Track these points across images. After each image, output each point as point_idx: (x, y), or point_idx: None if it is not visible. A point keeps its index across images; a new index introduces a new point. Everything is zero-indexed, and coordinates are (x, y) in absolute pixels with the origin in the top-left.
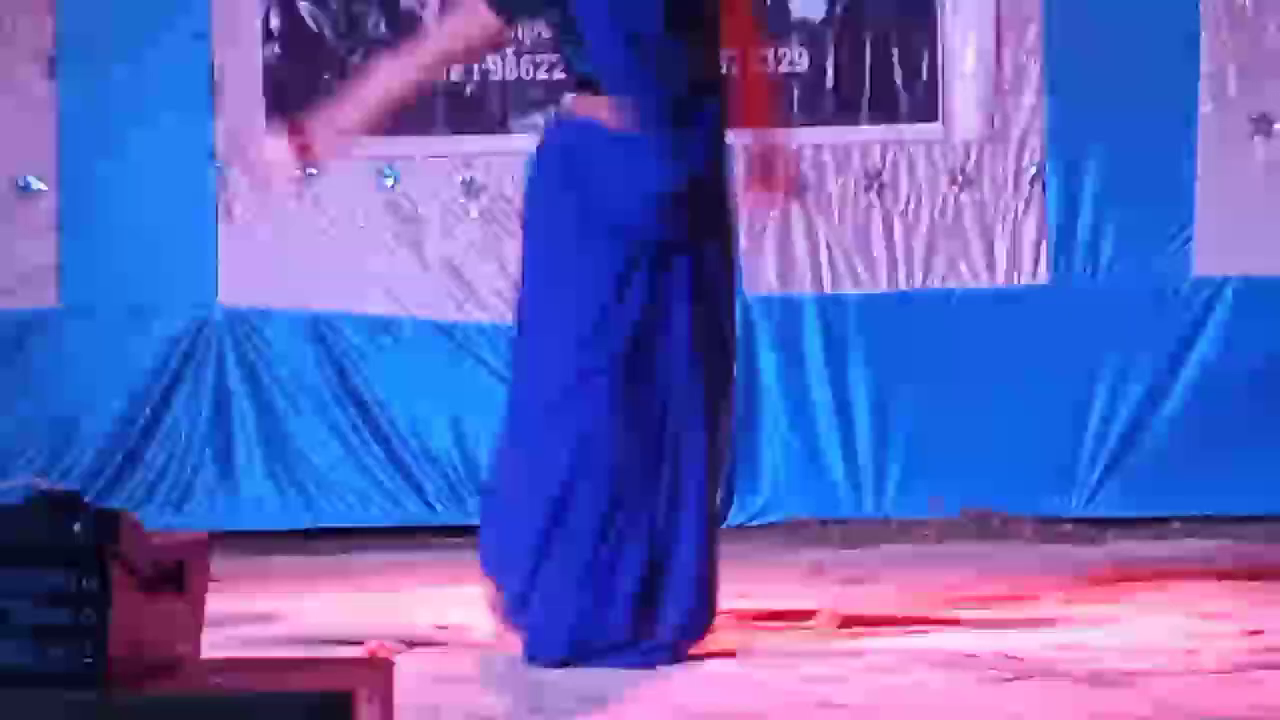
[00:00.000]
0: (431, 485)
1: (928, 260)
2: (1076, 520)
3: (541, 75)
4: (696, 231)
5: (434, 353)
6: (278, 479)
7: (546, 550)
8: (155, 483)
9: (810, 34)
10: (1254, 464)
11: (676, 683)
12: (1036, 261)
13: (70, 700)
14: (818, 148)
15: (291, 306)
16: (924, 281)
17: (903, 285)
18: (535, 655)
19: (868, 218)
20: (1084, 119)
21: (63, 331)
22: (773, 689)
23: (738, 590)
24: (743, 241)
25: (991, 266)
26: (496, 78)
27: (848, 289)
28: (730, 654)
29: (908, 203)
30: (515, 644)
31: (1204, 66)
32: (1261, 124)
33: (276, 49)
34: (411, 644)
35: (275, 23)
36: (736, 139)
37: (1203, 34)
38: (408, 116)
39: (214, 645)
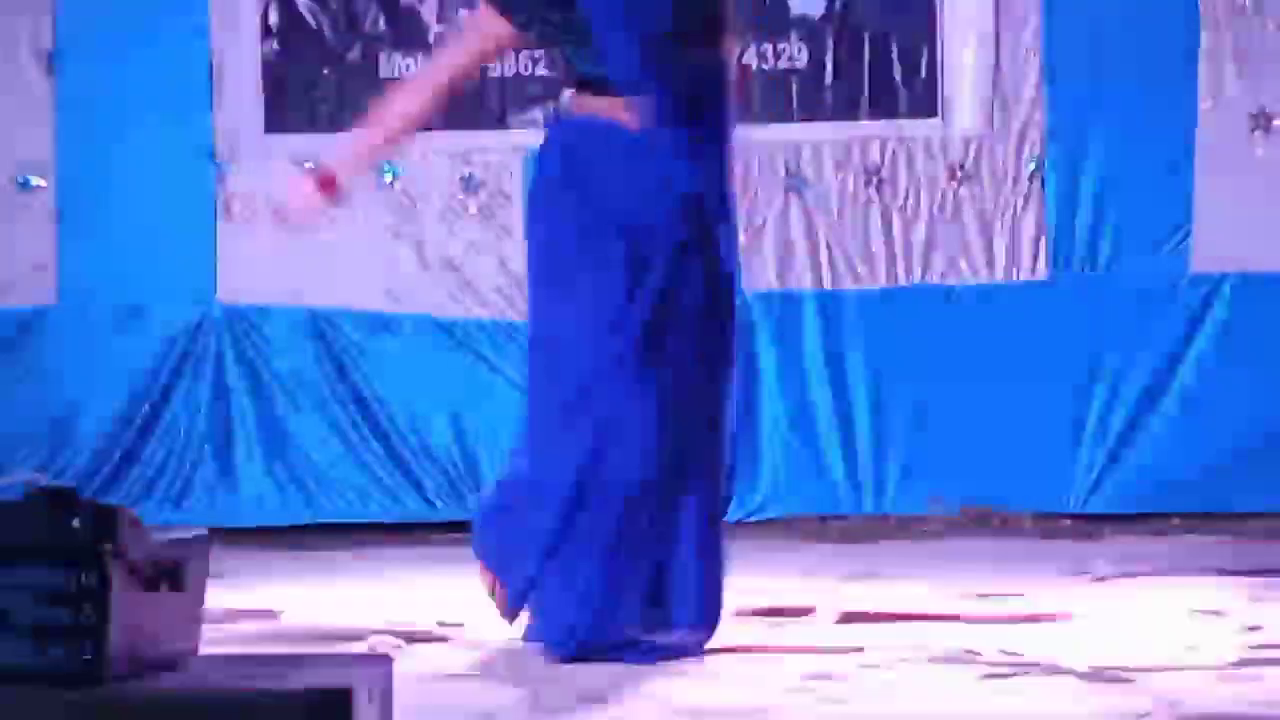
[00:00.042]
0: (431, 481)
1: (927, 256)
2: (1075, 516)
3: (540, 71)
4: (707, 227)
5: (433, 349)
6: (277, 475)
7: (561, 547)
8: (154, 479)
9: (809, 30)
10: (1252, 460)
11: (675, 679)
12: (1035, 257)
13: (69, 698)
14: (817, 144)
15: (290, 303)
16: (923, 277)
17: (902, 281)
18: (548, 648)
19: (867, 214)
20: (1083, 115)
21: (61, 328)
22: (772, 685)
23: (737, 587)
24: (742, 238)
25: (991, 262)
26: (495, 74)
27: (847, 285)
28: (730, 650)
29: (907, 198)
30: (515, 635)
31: (1203, 63)
32: (1260, 120)
33: (275, 45)
34: (411, 640)
35: (274, 19)
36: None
37: (1202, 31)
38: None
39: (213, 641)
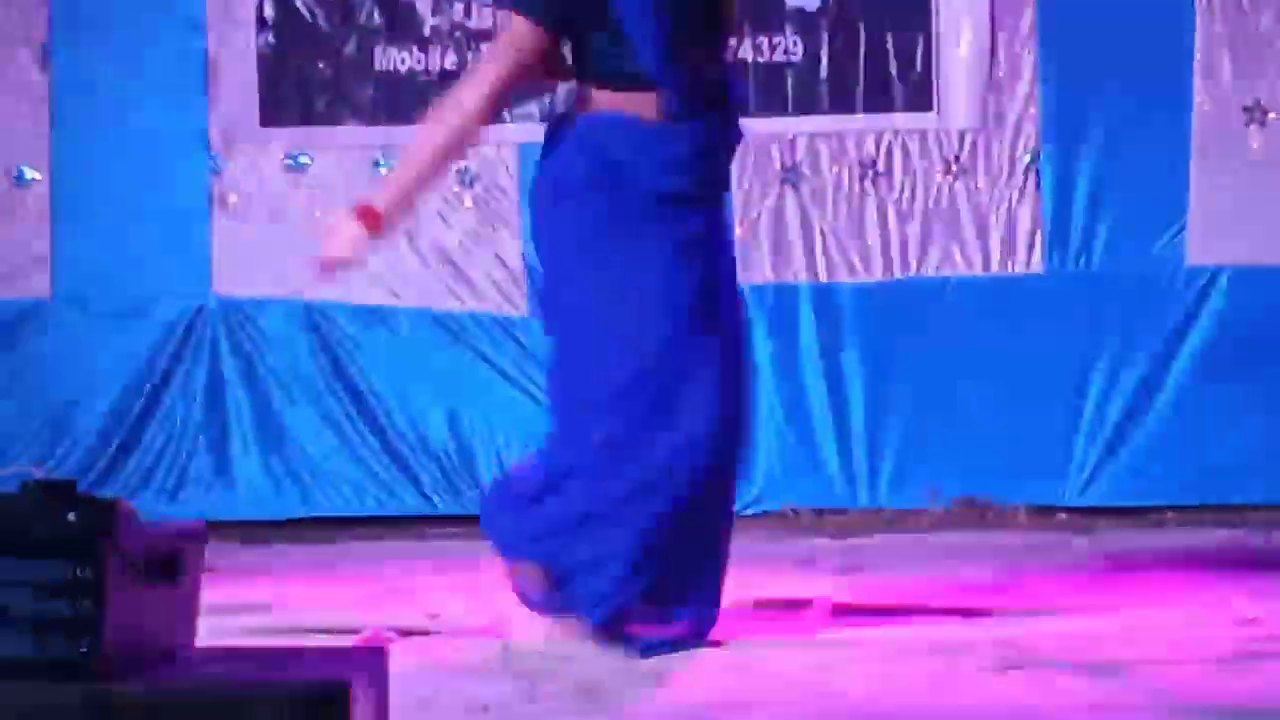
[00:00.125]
0: (426, 475)
1: (922, 249)
2: (1071, 509)
3: None
4: (718, 194)
5: (429, 342)
6: (272, 469)
7: (624, 517)
8: (150, 472)
9: (804, 23)
10: (1248, 453)
11: (671, 672)
12: (1031, 250)
13: (65, 691)
14: (812, 137)
15: (286, 296)
16: (918, 270)
17: (897, 274)
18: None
19: (862, 207)
20: (1078, 108)
21: (57, 321)
22: (767, 679)
23: (732, 580)
24: (738, 231)
25: (986, 256)
26: None
27: (842, 278)
28: (725, 643)
29: (902, 192)
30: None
31: (1198, 55)
32: (1255, 113)
33: (270, 38)
34: (407, 634)
35: (269, 12)
36: None
37: (1197, 23)
38: (403, 106)
39: (209, 634)
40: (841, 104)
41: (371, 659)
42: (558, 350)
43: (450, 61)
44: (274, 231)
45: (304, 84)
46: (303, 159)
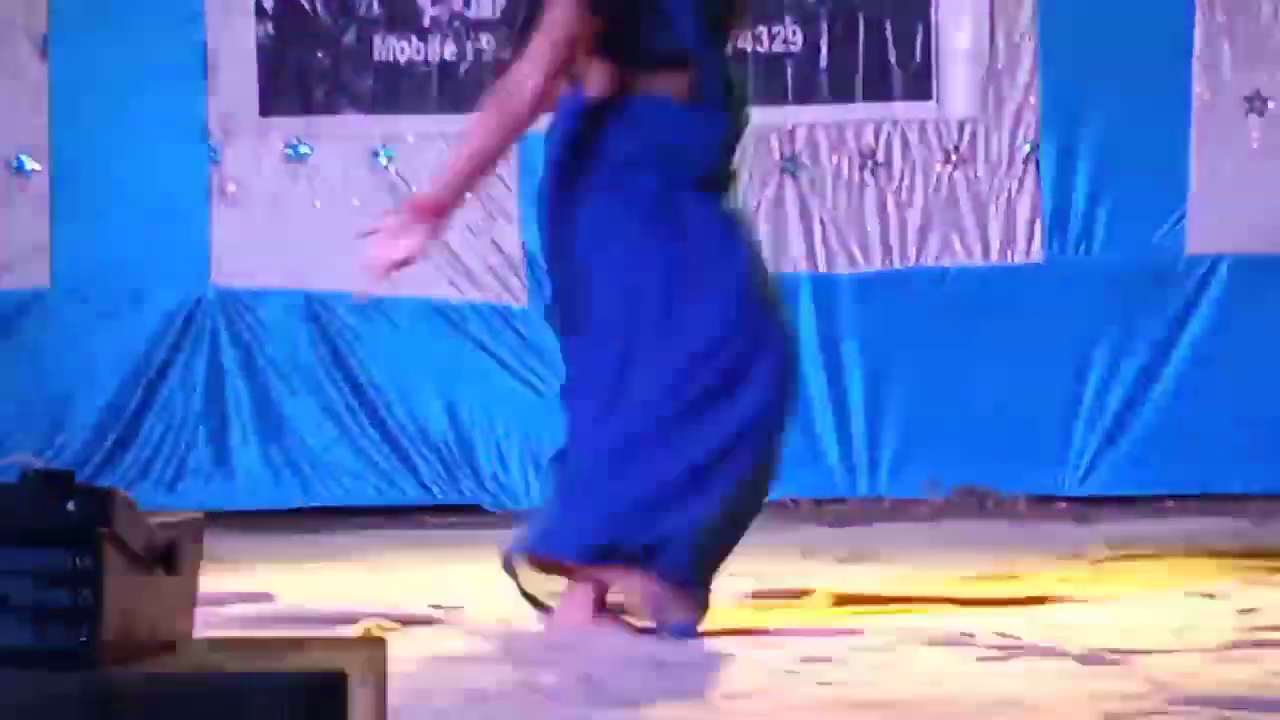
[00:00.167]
0: (425, 465)
1: (922, 239)
2: (1070, 499)
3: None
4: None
5: (428, 333)
6: (272, 459)
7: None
8: (149, 462)
9: (804, 13)
10: (1247, 442)
11: (670, 661)
12: (1030, 240)
13: (64, 680)
14: (811, 126)
15: (285, 286)
16: (918, 260)
17: (897, 264)
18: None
19: (862, 196)
20: (1078, 98)
21: (56, 312)
22: (768, 668)
23: (732, 570)
24: None
25: (985, 245)
26: (489, 58)
27: (842, 268)
28: (725, 633)
29: (902, 181)
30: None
31: (1198, 45)
32: (1255, 102)
33: (269, 28)
34: (406, 623)
35: (268, 2)
36: None
37: (1196, 13)
38: (402, 96)
39: (207, 625)
40: (841, 93)
41: (370, 649)
42: (605, 332)
43: (449, 52)
44: (273, 221)
45: (303, 74)
46: (302, 149)
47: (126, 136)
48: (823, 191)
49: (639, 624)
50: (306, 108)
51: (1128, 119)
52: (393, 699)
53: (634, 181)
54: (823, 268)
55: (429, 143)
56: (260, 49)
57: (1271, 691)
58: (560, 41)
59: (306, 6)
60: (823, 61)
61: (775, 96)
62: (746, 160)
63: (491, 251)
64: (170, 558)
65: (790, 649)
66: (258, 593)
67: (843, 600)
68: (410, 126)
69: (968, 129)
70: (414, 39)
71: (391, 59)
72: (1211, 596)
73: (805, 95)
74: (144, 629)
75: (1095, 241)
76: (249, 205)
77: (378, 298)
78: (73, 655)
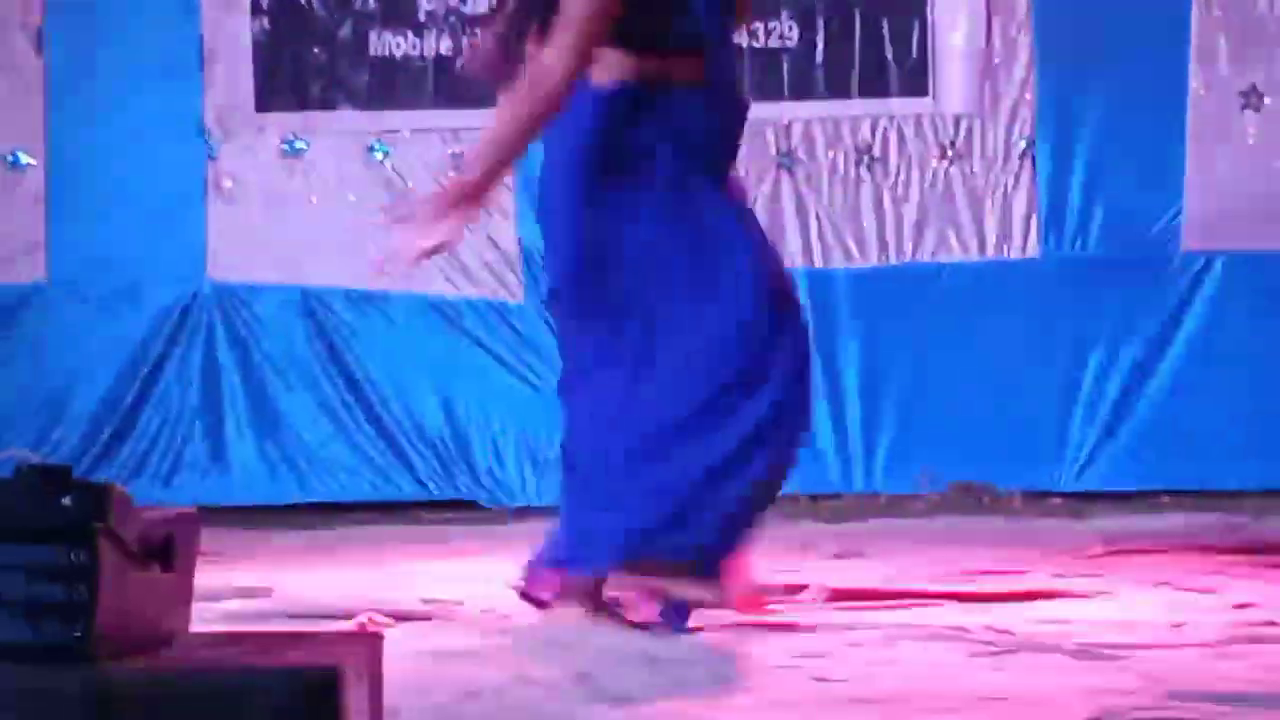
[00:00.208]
0: (421, 461)
1: (918, 234)
2: (1065, 494)
3: (530, 47)
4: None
5: (424, 328)
6: (267, 454)
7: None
8: (145, 457)
9: (800, 8)
10: (1243, 437)
11: (665, 656)
12: (1026, 236)
13: (59, 675)
14: (808, 122)
15: (281, 281)
16: (914, 255)
17: (893, 259)
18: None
19: (858, 192)
20: (1074, 93)
21: (52, 307)
22: (763, 663)
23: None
24: None
25: (981, 241)
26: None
27: (838, 263)
28: (720, 628)
29: (898, 177)
30: (506, 612)
31: (1194, 40)
32: (1251, 98)
33: (265, 23)
34: (401, 619)
35: None
36: None
37: (1192, 8)
38: (398, 91)
39: (203, 620)
40: (837, 89)
41: (365, 644)
42: (634, 303)
43: (445, 46)
44: (269, 217)
45: (299, 69)
46: (298, 144)
47: (123, 131)
48: (819, 187)
49: (635, 619)
50: (302, 103)
51: (1124, 115)
52: (388, 694)
53: (653, 166)
54: (819, 263)
55: (425, 138)
56: (256, 44)
57: (1266, 686)
58: (589, 29)
59: (302, 2)
60: (819, 57)
61: (772, 92)
62: (741, 155)
63: (488, 247)
64: (166, 553)
65: (785, 644)
66: (254, 588)
67: (837, 595)
68: (406, 122)
69: (964, 125)
70: (410, 34)
71: (387, 54)
72: (1206, 592)
73: (801, 91)
74: (140, 624)
75: (1091, 237)
76: (245, 200)
77: (373, 293)
78: (68, 650)
